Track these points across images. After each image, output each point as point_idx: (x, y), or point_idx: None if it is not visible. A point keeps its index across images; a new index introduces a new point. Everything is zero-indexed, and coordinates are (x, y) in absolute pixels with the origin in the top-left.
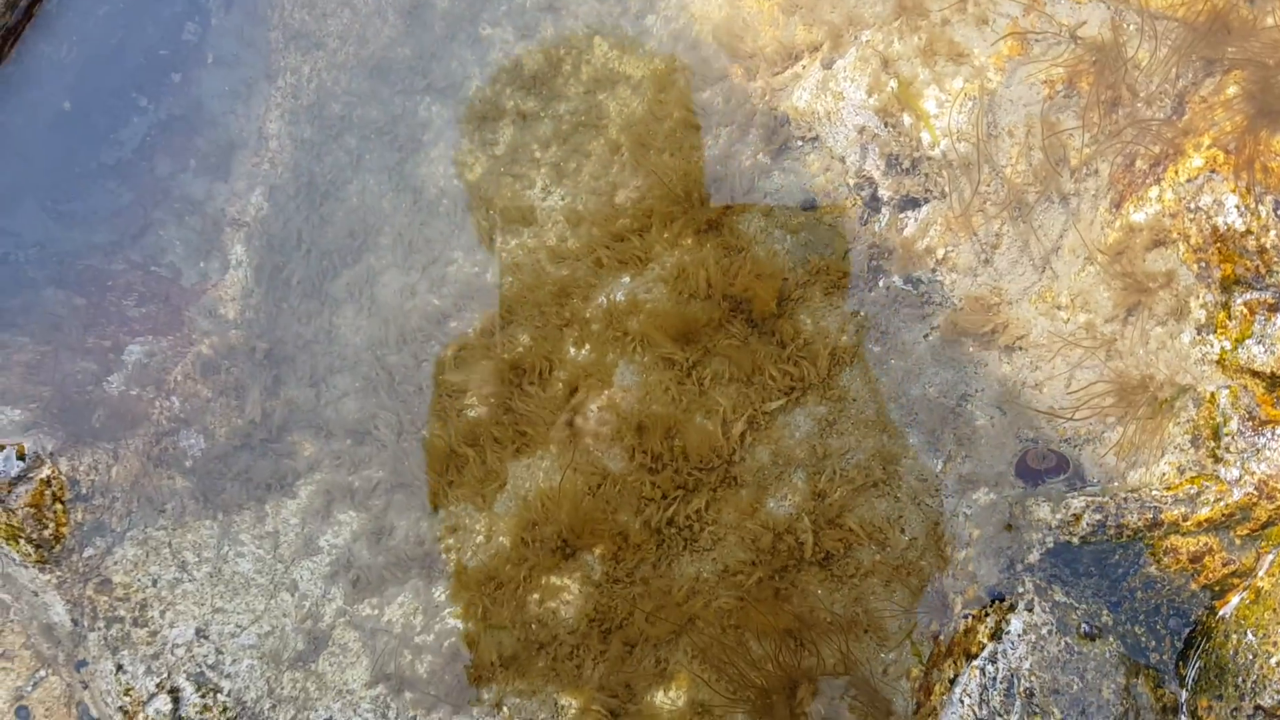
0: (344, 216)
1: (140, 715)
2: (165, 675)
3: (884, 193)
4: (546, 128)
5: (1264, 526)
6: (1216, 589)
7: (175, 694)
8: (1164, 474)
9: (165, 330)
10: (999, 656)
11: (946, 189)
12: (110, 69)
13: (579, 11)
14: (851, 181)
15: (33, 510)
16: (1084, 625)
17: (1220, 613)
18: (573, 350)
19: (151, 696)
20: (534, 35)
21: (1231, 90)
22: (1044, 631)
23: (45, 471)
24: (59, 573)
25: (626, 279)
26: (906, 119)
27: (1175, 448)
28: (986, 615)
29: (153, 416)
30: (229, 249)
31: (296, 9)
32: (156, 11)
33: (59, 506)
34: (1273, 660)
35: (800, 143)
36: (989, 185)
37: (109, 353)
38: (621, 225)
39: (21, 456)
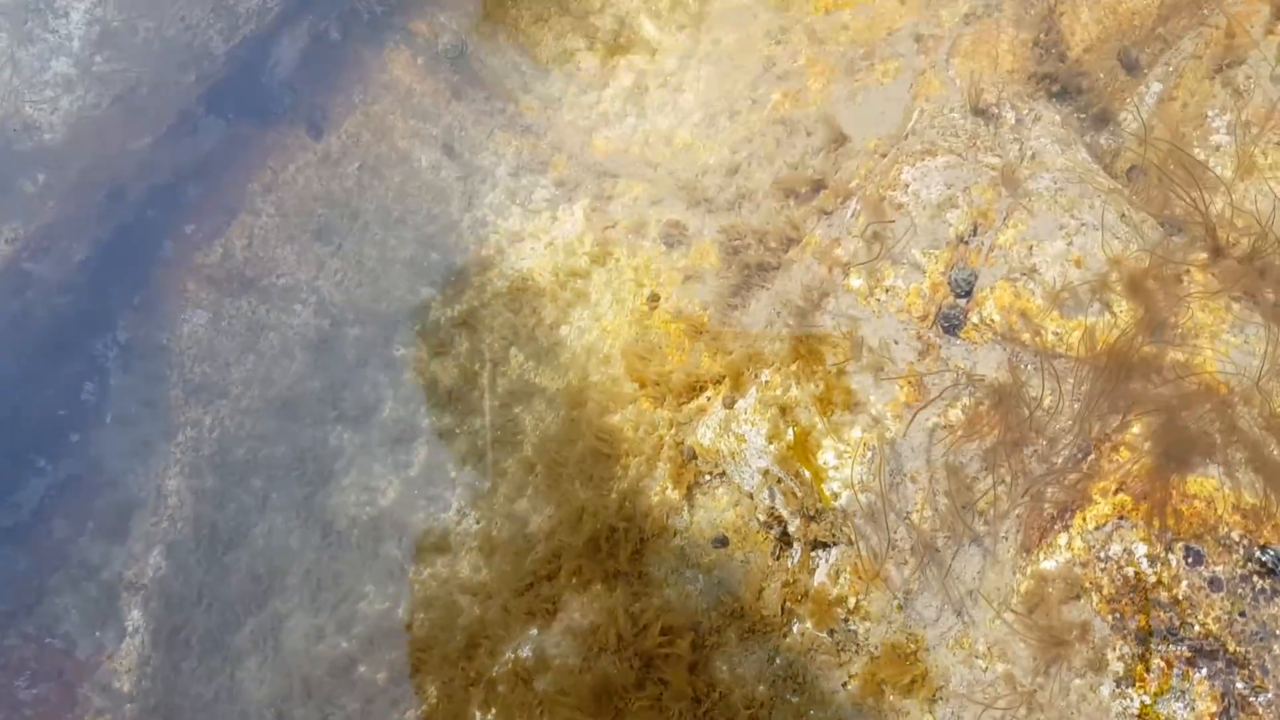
0: (248, 561)
1: None
2: None
3: (794, 530)
4: (462, 444)
5: None
6: None
7: None
8: None
9: (58, 713)
10: None
11: (854, 537)
12: (7, 432)
13: (494, 324)
14: (761, 518)
15: None
16: None
17: None
18: (479, 715)
19: None
20: (449, 351)
21: (1136, 431)
22: None
23: None
24: None
25: (534, 631)
26: (807, 471)
27: None
28: None
29: None
30: (125, 615)
31: (197, 364)
32: (54, 372)
33: None
34: None
35: (708, 478)
36: (897, 532)
37: None
38: (532, 565)
39: None
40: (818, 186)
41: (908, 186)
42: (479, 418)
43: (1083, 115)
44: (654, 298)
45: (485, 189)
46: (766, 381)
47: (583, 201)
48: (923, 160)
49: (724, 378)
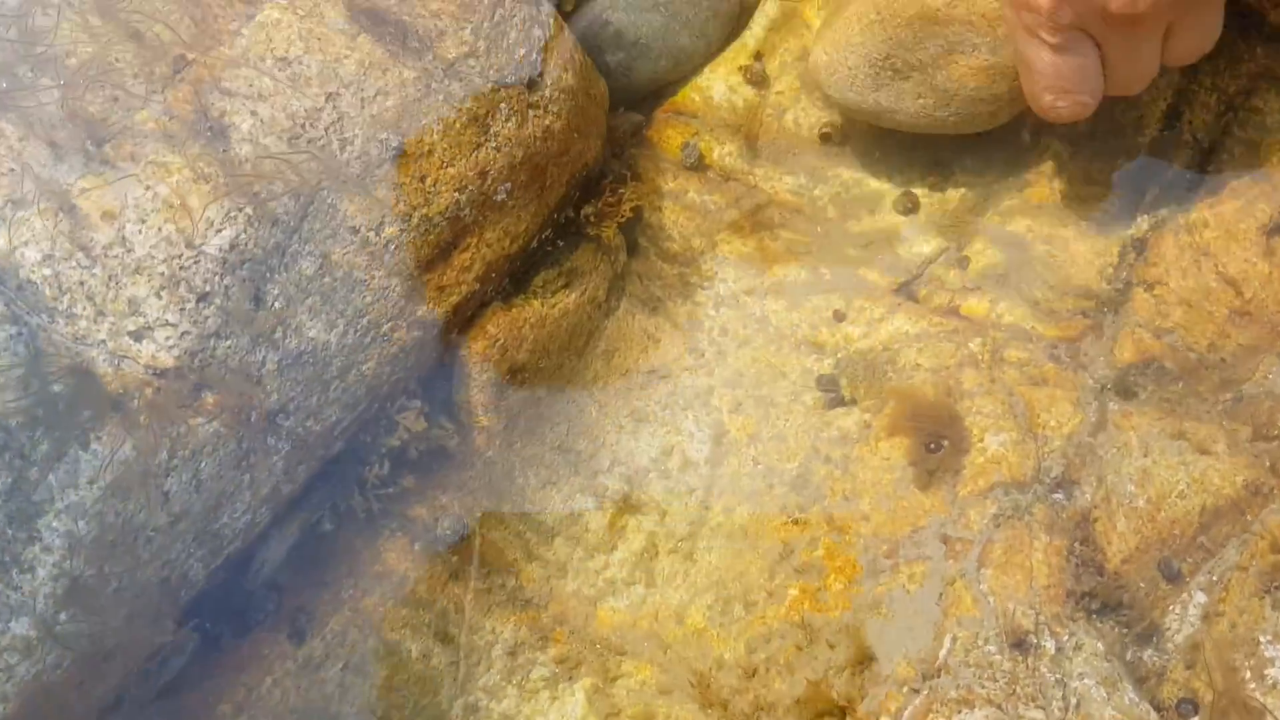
0: None
1: None
2: None
3: None
4: None
5: None
6: None
7: None
8: None
9: None
10: None
11: None
12: None
13: None
14: None
15: None
16: None
17: None
18: None
19: None
20: None
21: None
22: None
23: None
24: None
25: None
26: None
27: None
28: None
29: None
30: None
31: None
32: None
33: None
34: None
35: None
36: None
37: None
38: None
39: None
40: (843, 713)
41: None
42: None
43: (1125, 631)
44: None
45: (480, 670)
46: None
47: (584, 681)
48: (959, 712)
49: None
